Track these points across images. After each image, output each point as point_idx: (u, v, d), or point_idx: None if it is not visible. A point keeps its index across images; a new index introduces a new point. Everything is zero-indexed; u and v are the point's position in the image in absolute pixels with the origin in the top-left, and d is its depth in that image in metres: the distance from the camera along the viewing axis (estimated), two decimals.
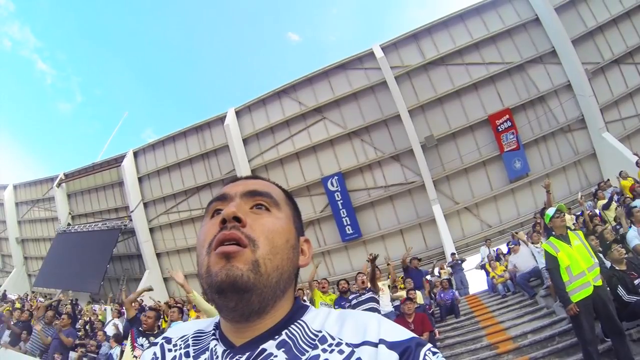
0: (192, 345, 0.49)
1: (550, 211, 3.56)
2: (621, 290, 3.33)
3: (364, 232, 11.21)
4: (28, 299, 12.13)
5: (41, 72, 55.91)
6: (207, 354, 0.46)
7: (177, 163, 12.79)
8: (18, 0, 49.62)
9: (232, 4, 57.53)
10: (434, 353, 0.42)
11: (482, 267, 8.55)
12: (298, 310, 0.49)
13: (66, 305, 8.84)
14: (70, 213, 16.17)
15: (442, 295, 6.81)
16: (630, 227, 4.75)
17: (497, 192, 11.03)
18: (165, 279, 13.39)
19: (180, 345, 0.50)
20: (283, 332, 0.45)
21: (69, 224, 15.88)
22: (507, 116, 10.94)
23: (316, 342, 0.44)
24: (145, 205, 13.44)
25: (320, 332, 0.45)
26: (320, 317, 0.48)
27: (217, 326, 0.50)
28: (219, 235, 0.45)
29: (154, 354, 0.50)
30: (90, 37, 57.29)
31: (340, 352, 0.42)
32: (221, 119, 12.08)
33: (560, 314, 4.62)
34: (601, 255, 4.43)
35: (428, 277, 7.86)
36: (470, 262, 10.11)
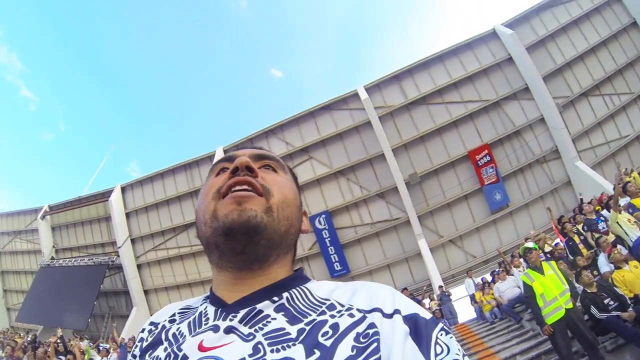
0: (179, 316, 0.47)
1: (529, 244, 4.22)
2: (594, 310, 3.74)
3: (352, 268, 11.41)
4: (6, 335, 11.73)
5: (25, 99, 54.77)
6: (194, 316, 0.44)
7: (165, 200, 12.76)
8: (6, 24, 49.02)
9: (214, 44, 58.19)
10: (447, 333, 0.40)
11: (472, 297, 8.85)
12: (300, 277, 0.47)
13: (57, 342, 8.26)
14: (54, 246, 15.81)
15: None
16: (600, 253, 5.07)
17: (479, 224, 11.44)
18: None
19: (167, 321, 0.48)
20: (283, 295, 0.42)
21: (52, 258, 15.50)
22: (486, 151, 11.46)
23: (323, 308, 0.41)
24: (133, 241, 13.30)
25: (328, 300, 0.42)
26: (328, 286, 0.45)
27: (207, 297, 0.48)
28: (231, 181, 0.43)
29: (142, 339, 0.48)
30: (76, 67, 56.72)
31: (351, 315, 0.39)
32: (210, 158, 12.17)
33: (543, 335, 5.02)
34: (574, 281, 4.80)
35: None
36: (457, 293, 10.46)
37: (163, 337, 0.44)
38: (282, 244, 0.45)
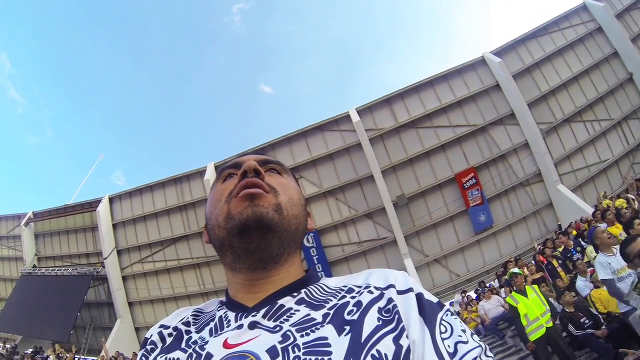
0: (193, 323, 0.47)
1: (514, 269, 4.77)
2: (571, 328, 4.14)
3: None
4: None
5: (13, 101, 53.46)
6: (214, 322, 0.44)
7: (154, 213, 12.66)
8: (0, 24, 47.85)
9: (207, 57, 57.87)
10: (452, 314, 0.43)
11: (457, 313, 9.10)
12: (314, 276, 0.49)
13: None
14: (36, 254, 15.45)
15: None
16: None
17: (464, 244, 11.75)
18: (137, 329, 13.02)
19: (181, 323, 0.48)
20: (302, 292, 0.45)
21: (34, 266, 15.15)
22: (472, 174, 11.81)
23: (343, 294, 0.43)
24: (119, 252, 13.14)
25: (346, 286, 0.45)
26: (341, 279, 0.48)
27: (223, 302, 0.48)
28: (242, 183, 0.45)
29: (152, 342, 0.47)
30: (67, 75, 55.82)
31: (370, 292, 0.42)
32: (201, 173, 12.16)
33: (526, 350, 5.40)
34: (553, 301, 5.17)
35: None
36: None
37: (183, 344, 0.44)
38: (293, 242, 0.47)
